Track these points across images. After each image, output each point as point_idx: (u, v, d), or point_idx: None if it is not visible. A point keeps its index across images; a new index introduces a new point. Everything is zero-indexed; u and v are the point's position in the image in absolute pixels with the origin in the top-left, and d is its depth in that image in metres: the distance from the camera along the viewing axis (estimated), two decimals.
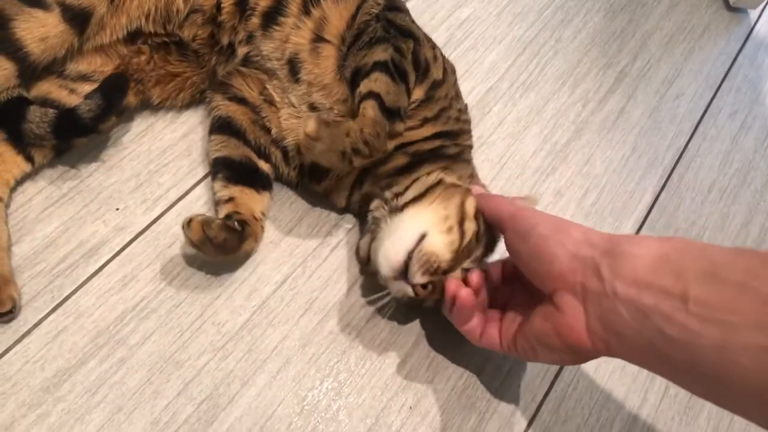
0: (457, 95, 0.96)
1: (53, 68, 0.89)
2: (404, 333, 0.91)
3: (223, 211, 0.88)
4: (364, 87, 0.82)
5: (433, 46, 0.94)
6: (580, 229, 0.70)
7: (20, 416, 0.76)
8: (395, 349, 0.89)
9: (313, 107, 0.90)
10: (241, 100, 0.93)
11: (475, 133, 1.10)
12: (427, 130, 0.89)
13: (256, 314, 0.87)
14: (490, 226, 0.83)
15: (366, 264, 0.88)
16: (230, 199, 0.88)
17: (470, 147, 0.96)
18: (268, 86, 0.92)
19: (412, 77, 0.85)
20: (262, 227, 0.90)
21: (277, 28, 0.90)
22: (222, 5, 0.91)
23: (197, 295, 0.87)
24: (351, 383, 0.86)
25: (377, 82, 0.81)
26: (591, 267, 0.66)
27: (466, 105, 0.97)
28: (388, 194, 0.87)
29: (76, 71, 0.90)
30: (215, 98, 0.95)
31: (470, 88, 1.15)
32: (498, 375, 0.91)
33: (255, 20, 0.91)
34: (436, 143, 0.89)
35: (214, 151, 0.93)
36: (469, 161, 0.94)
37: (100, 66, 0.92)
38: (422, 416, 0.86)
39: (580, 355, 0.70)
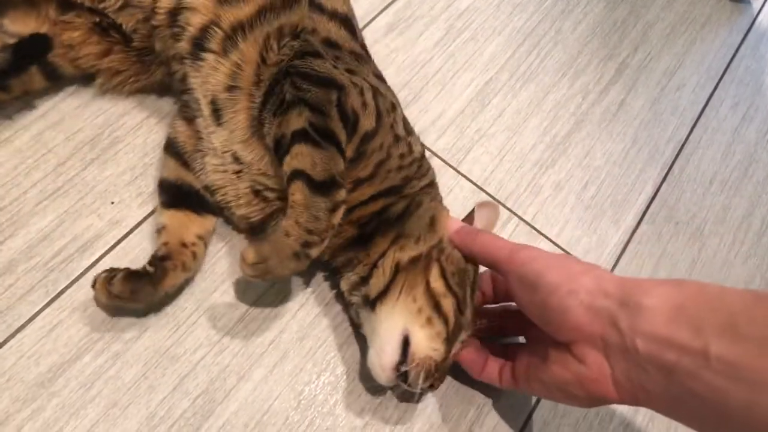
0: (397, 138, 0.84)
1: None
2: None
3: (156, 244, 0.84)
4: (287, 166, 0.75)
5: (362, 90, 0.82)
6: (591, 275, 0.68)
7: (15, 411, 0.75)
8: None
9: (236, 159, 0.83)
10: (190, 120, 0.89)
11: (474, 125, 1.09)
12: (363, 193, 0.81)
13: (252, 308, 0.87)
14: (467, 262, 0.81)
15: None
16: (162, 229, 0.84)
17: (426, 186, 0.86)
18: (198, 118, 0.87)
19: (341, 135, 0.77)
20: (194, 253, 0.83)
21: (201, 63, 0.84)
22: (157, 9, 0.85)
23: (193, 289, 0.86)
24: (348, 377, 0.85)
25: (299, 157, 0.74)
26: (608, 319, 0.65)
27: (411, 142, 0.86)
28: (353, 277, 0.82)
29: (11, 30, 0.87)
30: (174, 117, 0.92)
31: (469, 79, 1.14)
32: None
33: (184, 44, 0.85)
34: (379, 205, 0.81)
35: (160, 173, 0.90)
36: (422, 203, 0.83)
37: (34, 29, 0.88)
38: (420, 410, 0.85)
39: (605, 402, 0.69)
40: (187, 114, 0.89)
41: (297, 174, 0.73)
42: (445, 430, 0.85)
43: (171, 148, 0.90)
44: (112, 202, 0.89)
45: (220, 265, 0.88)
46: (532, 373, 0.75)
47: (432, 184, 0.88)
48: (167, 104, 0.98)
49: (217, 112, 0.84)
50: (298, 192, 0.73)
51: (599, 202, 1.08)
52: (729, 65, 1.32)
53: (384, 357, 0.76)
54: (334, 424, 0.82)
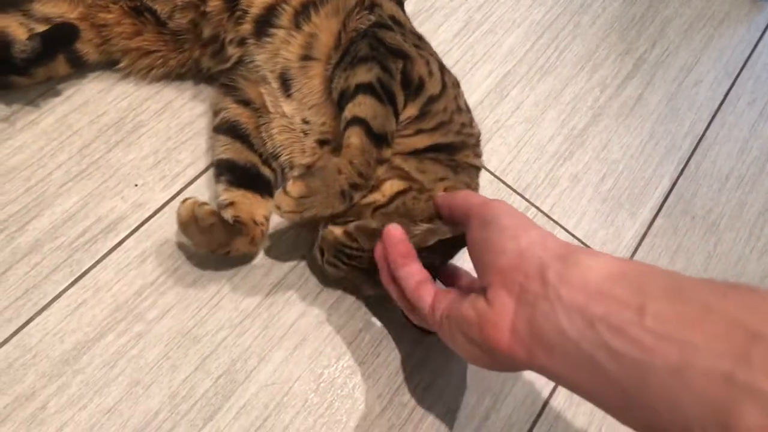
0: (459, 109, 0.88)
1: (18, 3, 0.88)
2: None
3: (224, 215, 0.85)
4: (348, 112, 0.78)
5: (428, 62, 0.87)
6: (542, 233, 0.64)
7: (41, 387, 0.77)
8: (411, 329, 0.89)
9: (305, 122, 0.87)
10: (247, 103, 0.91)
11: (492, 116, 1.10)
12: (422, 141, 0.83)
13: (273, 291, 0.88)
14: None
15: None
16: (231, 204, 0.85)
17: (474, 168, 0.88)
18: (263, 91, 0.90)
19: (400, 98, 0.81)
20: (263, 232, 0.86)
21: (268, 39, 0.87)
22: None
23: (215, 272, 0.87)
24: (367, 362, 0.86)
25: (362, 106, 0.78)
26: (536, 268, 0.59)
27: (471, 119, 0.91)
28: None
29: (41, 12, 0.89)
30: (223, 100, 0.93)
31: (488, 71, 1.15)
32: None
33: (247, 26, 0.88)
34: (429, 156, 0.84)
35: (219, 152, 0.91)
36: (466, 182, 0.86)
37: (66, 11, 0.89)
38: (437, 396, 0.86)
39: (495, 359, 0.63)
40: (238, 95, 0.91)
41: (357, 120, 0.77)
42: (462, 416, 0.86)
43: (234, 131, 0.91)
44: (136, 185, 0.90)
45: None
46: (449, 311, 0.69)
47: (478, 170, 0.90)
48: (190, 89, 0.99)
49: (286, 83, 0.87)
50: (355, 136, 0.76)
51: (616, 195, 1.09)
52: (747, 62, 1.32)
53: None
54: (353, 407, 0.83)
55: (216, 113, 0.94)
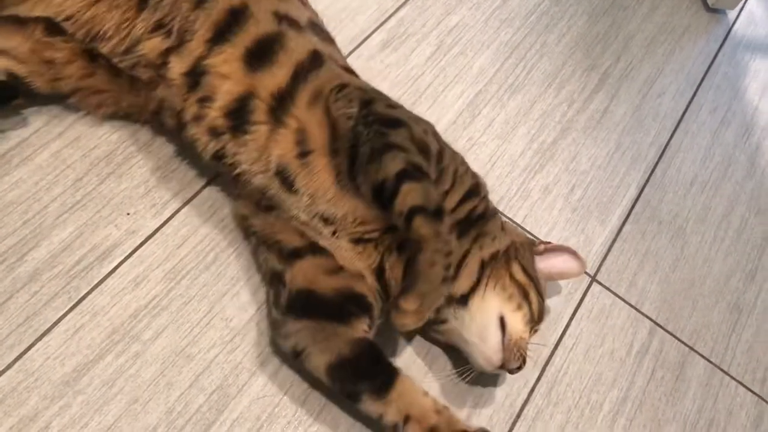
0: (448, 148, 0.94)
1: None
2: None
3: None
4: (401, 206, 0.78)
5: (416, 119, 0.90)
6: None
7: (43, 408, 0.81)
8: (392, 339, 0.94)
9: (326, 220, 0.86)
10: (257, 204, 0.91)
11: (465, 134, 1.16)
12: (452, 201, 0.88)
13: (261, 308, 0.92)
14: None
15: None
16: (407, 419, 0.81)
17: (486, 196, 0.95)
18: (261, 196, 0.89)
19: (425, 164, 0.82)
20: (448, 409, 0.84)
21: (248, 137, 0.86)
22: (169, 65, 0.88)
23: (206, 292, 0.92)
24: None
25: (412, 194, 0.78)
26: None
27: (454, 150, 0.95)
28: None
29: None
30: (268, 257, 0.90)
31: (460, 92, 1.21)
32: None
33: (215, 114, 0.87)
34: (467, 207, 0.90)
35: (316, 364, 0.84)
36: (495, 213, 0.95)
37: (17, 45, 0.89)
38: None
39: None
40: (288, 246, 0.89)
41: (415, 210, 0.77)
42: None
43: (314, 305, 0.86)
44: (128, 214, 0.95)
45: (231, 269, 0.94)
46: None
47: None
48: None
49: (287, 181, 0.86)
50: (423, 227, 0.76)
51: (586, 204, 1.14)
52: (707, 72, 1.39)
53: (489, 339, 0.85)
54: (339, 414, 0.88)
55: (265, 268, 0.92)
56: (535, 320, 0.89)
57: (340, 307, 0.84)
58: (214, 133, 0.88)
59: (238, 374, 0.88)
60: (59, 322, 0.87)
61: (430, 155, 0.86)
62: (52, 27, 0.89)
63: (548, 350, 0.99)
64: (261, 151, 0.86)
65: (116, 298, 0.89)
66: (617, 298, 1.07)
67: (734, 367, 1.05)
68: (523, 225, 1.09)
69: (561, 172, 1.17)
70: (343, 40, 1.20)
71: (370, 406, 0.82)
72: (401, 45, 1.23)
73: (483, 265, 0.88)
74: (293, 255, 0.87)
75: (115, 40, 0.89)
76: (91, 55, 0.91)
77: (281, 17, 0.90)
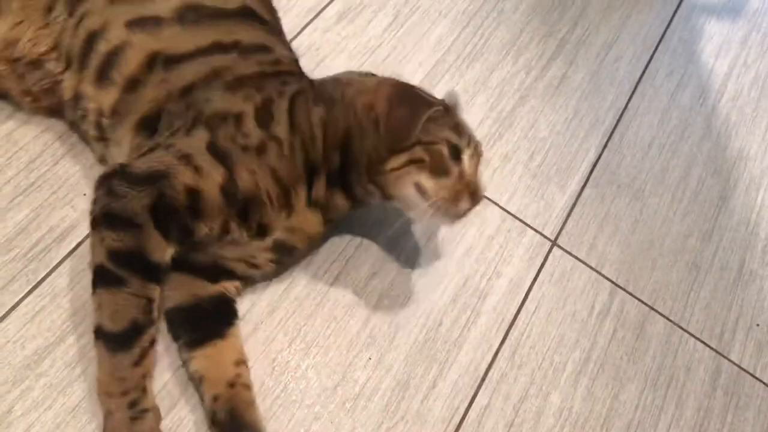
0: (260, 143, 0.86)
1: None
2: (366, 295, 0.96)
3: (205, 400, 0.83)
4: None
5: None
6: None
7: (4, 392, 0.80)
8: (358, 310, 0.95)
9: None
10: None
11: None
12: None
13: None
14: None
15: None
16: (201, 379, 0.84)
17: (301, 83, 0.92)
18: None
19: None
20: (245, 383, 0.84)
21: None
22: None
23: None
24: (318, 343, 0.92)
25: None
26: None
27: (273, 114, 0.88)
28: None
29: None
30: None
31: (418, 62, 1.21)
32: (456, 327, 0.97)
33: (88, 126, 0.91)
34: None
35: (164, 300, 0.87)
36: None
37: None
38: (386, 370, 0.92)
39: None
40: None
41: None
42: (412, 386, 0.92)
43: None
44: (85, 194, 0.94)
45: None
46: None
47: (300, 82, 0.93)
48: None
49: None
50: None
51: (545, 170, 1.16)
52: (663, 36, 1.40)
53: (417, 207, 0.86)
54: (307, 387, 0.88)
55: None
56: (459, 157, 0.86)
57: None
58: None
59: None
60: (18, 305, 0.86)
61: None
62: None
63: (511, 314, 1.01)
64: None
65: (76, 279, 0.89)
66: (578, 261, 1.08)
67: (693, 325, 1.08)
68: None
69: (520, 140, 1.18)
70: (298, 12, 1.19)
71: (181, 352, 0.86)
72: (357, 16, 1.23)
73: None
74: None
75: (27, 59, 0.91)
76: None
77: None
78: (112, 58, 0.87)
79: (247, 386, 0.84)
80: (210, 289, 0.87)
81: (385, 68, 1.17)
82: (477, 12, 1.30)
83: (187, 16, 0.89)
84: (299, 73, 0.95)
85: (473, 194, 0.86)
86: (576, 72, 1.28)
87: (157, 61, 0.87)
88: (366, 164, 0.86)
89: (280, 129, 0.85)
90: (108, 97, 0.87)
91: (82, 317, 0.86)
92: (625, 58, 1.34)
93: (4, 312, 0.85)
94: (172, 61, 0.87)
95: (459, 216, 0.86)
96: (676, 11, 1.44)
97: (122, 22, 0.87)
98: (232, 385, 0.83)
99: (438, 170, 0.84)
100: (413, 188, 0.84)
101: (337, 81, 0.91)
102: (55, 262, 0.89)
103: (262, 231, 0.85)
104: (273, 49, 0.93)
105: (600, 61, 1.32)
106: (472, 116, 1.17)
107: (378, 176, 0.85)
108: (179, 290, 0.87)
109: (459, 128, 0.88)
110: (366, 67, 1.16)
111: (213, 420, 0.81)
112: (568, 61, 1.29)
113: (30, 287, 0.87)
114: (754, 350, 1.08)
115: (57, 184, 0.94)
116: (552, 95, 1.24)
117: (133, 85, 0.86)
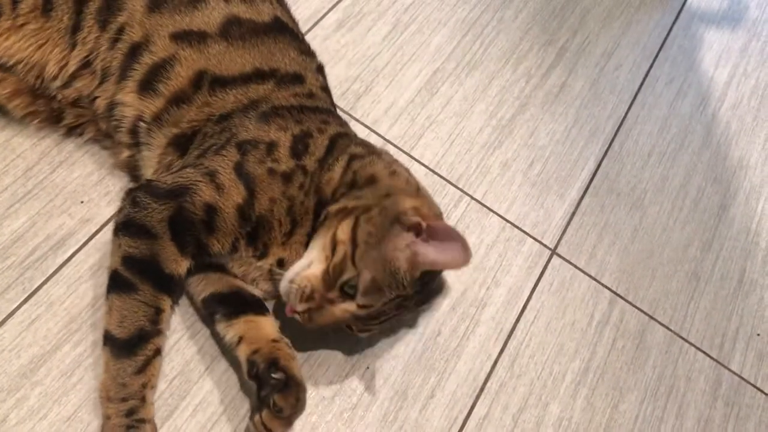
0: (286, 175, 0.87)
1: None
2: None
3: (242, 356, 0.84)
4: None
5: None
6: None
7: (0, 401, 0.80)
8: None
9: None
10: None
11: (424, 113, 1.16)
12: (302, 238, 0.88)
13: None
14: None
15: None
16: (240, 340, 0.85)
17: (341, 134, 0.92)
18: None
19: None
20: (287, 344, 0.85)
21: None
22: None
23: None
24: (316, 353, 0.91)
25: None
26: None
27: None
28: None
29: None
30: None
31: (418, 70, 1.21)
32: (454, 336, 0.97)
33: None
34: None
35: (200, 291, 0.89)
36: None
37: None
38: (384, 379, 0.91)
39: None
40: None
41: None
42: (409, 396, 0.91)
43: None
44: (82, 202, 0.94)
45: None
46: None
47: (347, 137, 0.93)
48: None
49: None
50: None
51: (545, 179, 1.15)
52: (663, 45, 1.40)
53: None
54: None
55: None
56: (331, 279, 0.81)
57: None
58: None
59: (200, 359, 0.87)
60: (14, 313, 0.85)
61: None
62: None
63: (510, 323, 1.00)
64: None
65: (72, 287, 0.88)
66: (577, 270, 1.08)
67: (693, 334, 1.07)
68: (483, 201, 1.09)
69: (520, 148, 1.17)
70: (297, 20, 1.19)
71: (219, 325, 0.87)
72: (357, 24, 1.23)
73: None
74: None
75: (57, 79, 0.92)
76: (33, 91, 0.93)
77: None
78: (159, 70, 0.88)
79: (290, 347, 0.85)
80: (248, 286, 0.90)
81: (385, 76, 1.17)
82: (477, 20, 1.30)
83: (231, 31, 0.90)
84: (334, 112, 0.98)
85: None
86: (576, 80, 1.28)
87: (203, 80, 0.89)
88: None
89: (310, 161, 0.86)
90: (152, 106, 0.89)
91: (78, 326, 0.86)
92: (625, 67, 1.33)
93: (0, 320, 0.85)
94: (217, 83, 0.89)
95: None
96: (675, 20, 1.44)
97: (166, 34, 0.89)
98: (275, 341, 0.84)
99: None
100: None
101: (387, 165, 0.90)
102: (51, 271, 0.89)
103: (265, 252, 0.86)
104: (306, 78, 0.94)
105: (600, 69, 1.32)
106: (471, 124, 1.17)
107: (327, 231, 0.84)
108: (218, 283, 0.88)
109: None
110: (365, 75, 1.16)
111: (250, 372, 0.82)
112: (568, 70, 1.29)
113: (26, 295, 0.87)
114: (755, 360, 1.07)
115: (54, 193, 0.94)
116: (552, 103, 1.24)
117: (179, 99, 0.89)
